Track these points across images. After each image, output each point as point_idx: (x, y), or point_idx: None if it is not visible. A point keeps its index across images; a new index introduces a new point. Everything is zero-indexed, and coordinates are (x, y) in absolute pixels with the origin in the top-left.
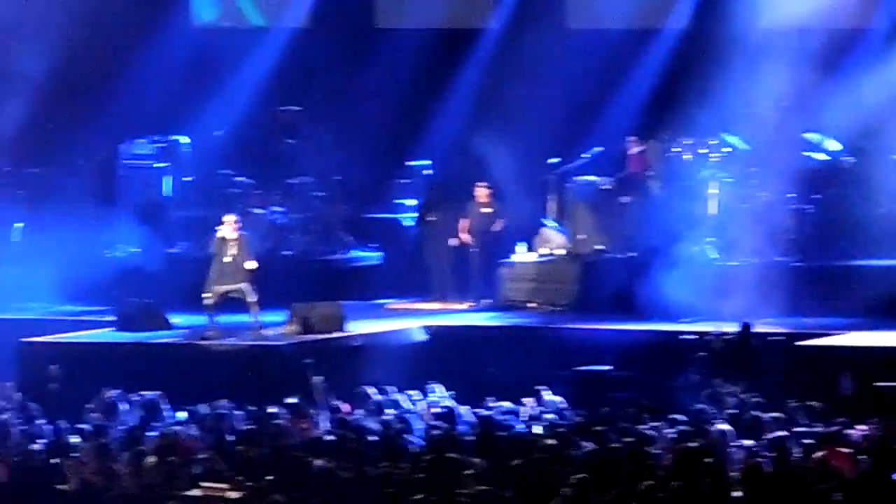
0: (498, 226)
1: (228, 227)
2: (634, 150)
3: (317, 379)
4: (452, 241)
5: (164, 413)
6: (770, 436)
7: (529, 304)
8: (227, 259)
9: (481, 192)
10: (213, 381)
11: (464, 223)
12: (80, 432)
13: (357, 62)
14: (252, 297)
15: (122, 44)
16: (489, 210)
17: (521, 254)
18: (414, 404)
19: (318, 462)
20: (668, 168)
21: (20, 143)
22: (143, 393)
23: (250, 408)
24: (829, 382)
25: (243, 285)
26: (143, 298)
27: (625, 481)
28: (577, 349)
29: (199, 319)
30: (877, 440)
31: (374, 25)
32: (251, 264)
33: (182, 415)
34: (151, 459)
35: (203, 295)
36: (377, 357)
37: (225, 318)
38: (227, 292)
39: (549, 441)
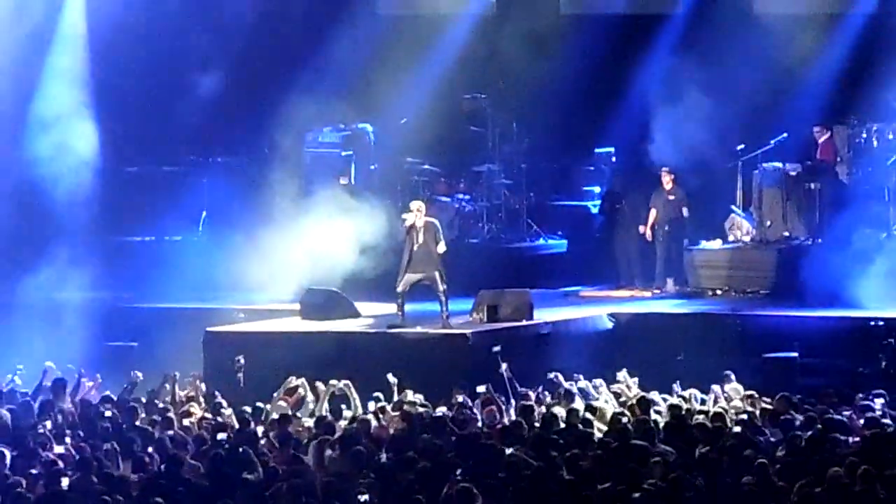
0: (684, 212)
1: (415, 215)
2: (822, 138)
3: (503, 367)
4: (641, 229)
5: (354, 401)
6: None
7: (718, 291)
8: (416, 246)
9: (667, 178)
10: (401, 369)
11: (652, 214)
12: (264, 422)
13: (542, 49)
14: (441, 286)
15: (308, 33)
16: (674, 197)
17: (710, 242)
18: (600, 392)
19: (507, 450)
20: (856, 153)
21: (206, 133)
22: (332, 382)
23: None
24: None
25: (434, 273)
26: (329, 286)
27: (814, 467)
28: (765, 336)
29: (386, 307)
30: None
31: (558, 11)
32: (441, 248)
33: (371, 405)
34: (337, 449)
35: (396, 283)
36: (564, 345)
37: (413, 306)
38: (419, 280)
39: (737, 428)
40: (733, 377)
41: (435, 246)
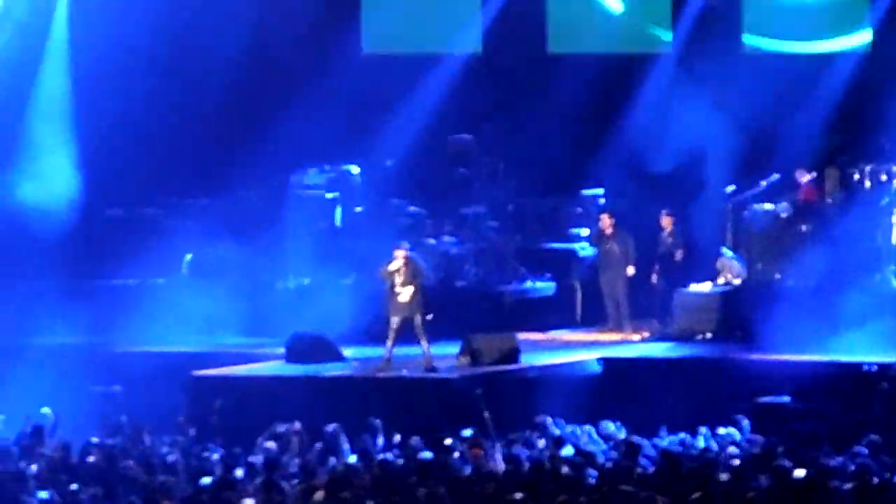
0: (679, 255)
1: (399, 260)
2: (804, 178)
3: (486, 413)
4: (629, 270)
5: (343, 447)
6: None
7: (707, 335)
8: (398, 290)
9: (666, 220)
10: (387, 413)
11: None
12: (250, 466)
13: (529, 89)
14: (422, 329)
15: (292, 73)
16: (671, 239)
17: (699, 284)
18: (590, 438)
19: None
20: (848, 195)
21: (189, 175)
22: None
23: (422, 440)
24: None
25: (416, 317)
26: (315, 330)
27: None
28: (755, 381)
29: (372, 351)
30: None
31: (545, 51)
32: (416, 298)
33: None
34: (321, 495)
35: (385, 326)
36: (551, 389)
37: (398, 350)
38: (402, 323)
39: (726, 475)
40: (745, 422)
41: (416, 282)
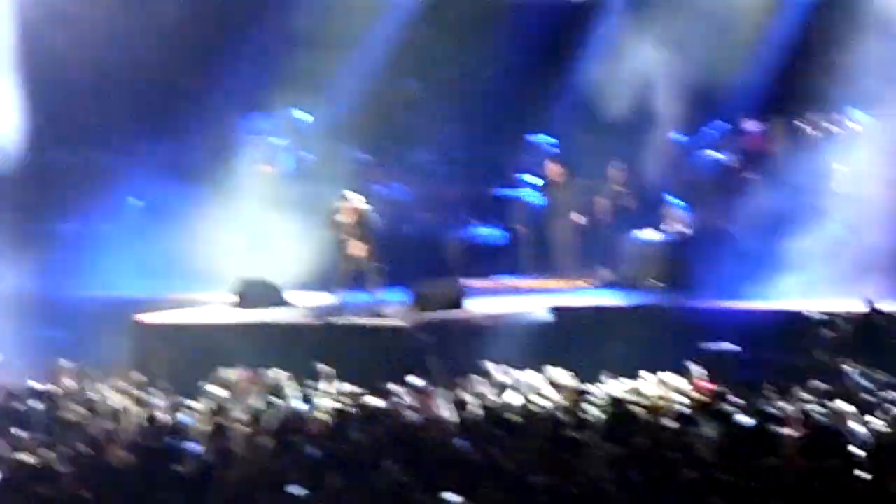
0: (629, 203)
1: (350, 205)
2: (751, 129)
3: (432, 358)
4: (578, 218)
5: (289, 393)
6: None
7: (655, 282)
8: (348, 240)
9: (615, 173)
10: (334, 359)
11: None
12: (196, 414)
13: (478, 35)
14: (373, 276)
15: (239, 19)
16: (620, 188)
17: (646, 231)
18: (535, 384)
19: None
20: (795, 144)
21: (135, 119)
22: (266, 372)
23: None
24: None
25: (366, 262)
26: (261, 276)
27: (751, 460)
28: (702, 329)
29: (320, 297)
30: None
31: None
32: (364, 245)
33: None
34: (270, 441)
35: (332, 272)
36: (497, 336)
37: (347, 296)
38: (351, 269)
39: (673, 422)
40: (696, 369)
41: (367, 234)
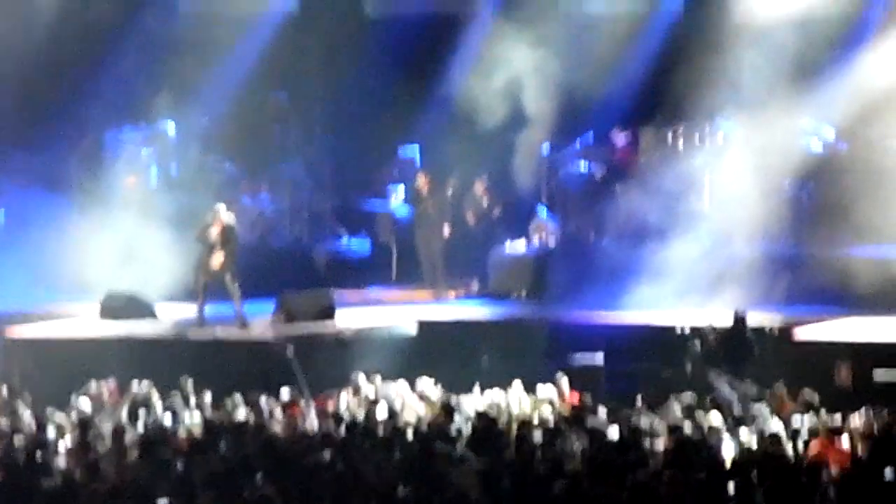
0: (494, 213)
1: (215, 217)
2: (621, 140)
3: (300, 372)
4: (445, 229)
5: (155, 406)
6: (764, 426)
7: (522, 293)
8: (212, 252)
9: (479, 185)
10: (200, 373)
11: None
12: (63, 427)
13: (346, 48)
14: (234, 288)
15: (108, 29)
16: (486, 198)
17: (513, 243)
18: (402, 396)
19: (309, 455)
20: (662, 155)
21: (5, 130)
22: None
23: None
24: (824, 373)
25: (227, 276)
26: (129, 288)
27: (619, 472)
28: (570, 340)
29: (188, 309)
30: (871, 432)
31: (362, 12)
32: (225, 257)
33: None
34: (136, 454)
35: (193, 284)
36: (365, 348)
37: (212, 308)
38: (211, 281)
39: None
40: (565, 380)
41: (229, 247)
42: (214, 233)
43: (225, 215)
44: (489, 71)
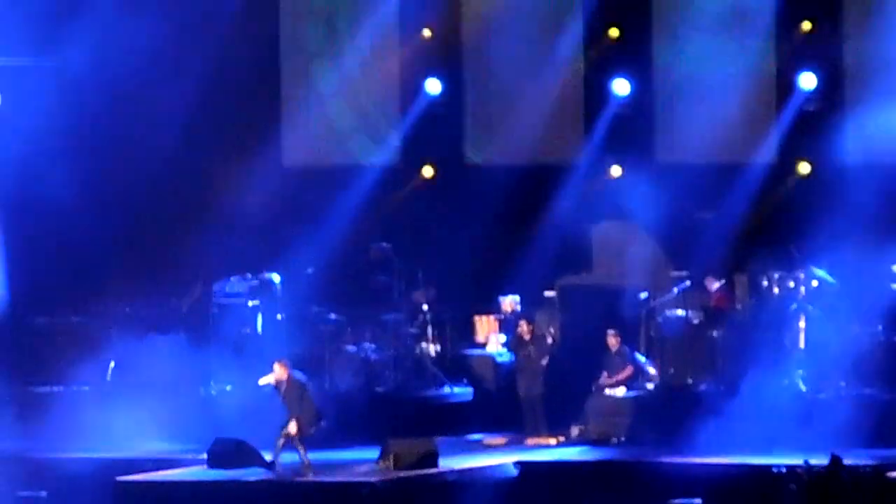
0: (624, 374)
1: (278, 372)
2: (715, 285)
3: None
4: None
5: None
6: None
7: (622, 438)
8: (284, 399)
9: (613, 340)
10: None
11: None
12: None
13: (447, 197)
14: (298, 438)
15: (216, 185)
16: (620, 357)
17: (613, 388)
18: None
19: None
20: (757, 301)
21: (115, 281)
22: None
23: None
24: None
25: (290, 425)
26: (237, 436)
27: None
28: (668, 484)
29: (292, 456)
30: None
31: (463, 160)
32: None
33: None
34: None
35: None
36: (468, 493)
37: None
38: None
39: None
40: None
41: (297, 395)
42: (280, 386)
43: (289, 371)
44: (587, 217)
